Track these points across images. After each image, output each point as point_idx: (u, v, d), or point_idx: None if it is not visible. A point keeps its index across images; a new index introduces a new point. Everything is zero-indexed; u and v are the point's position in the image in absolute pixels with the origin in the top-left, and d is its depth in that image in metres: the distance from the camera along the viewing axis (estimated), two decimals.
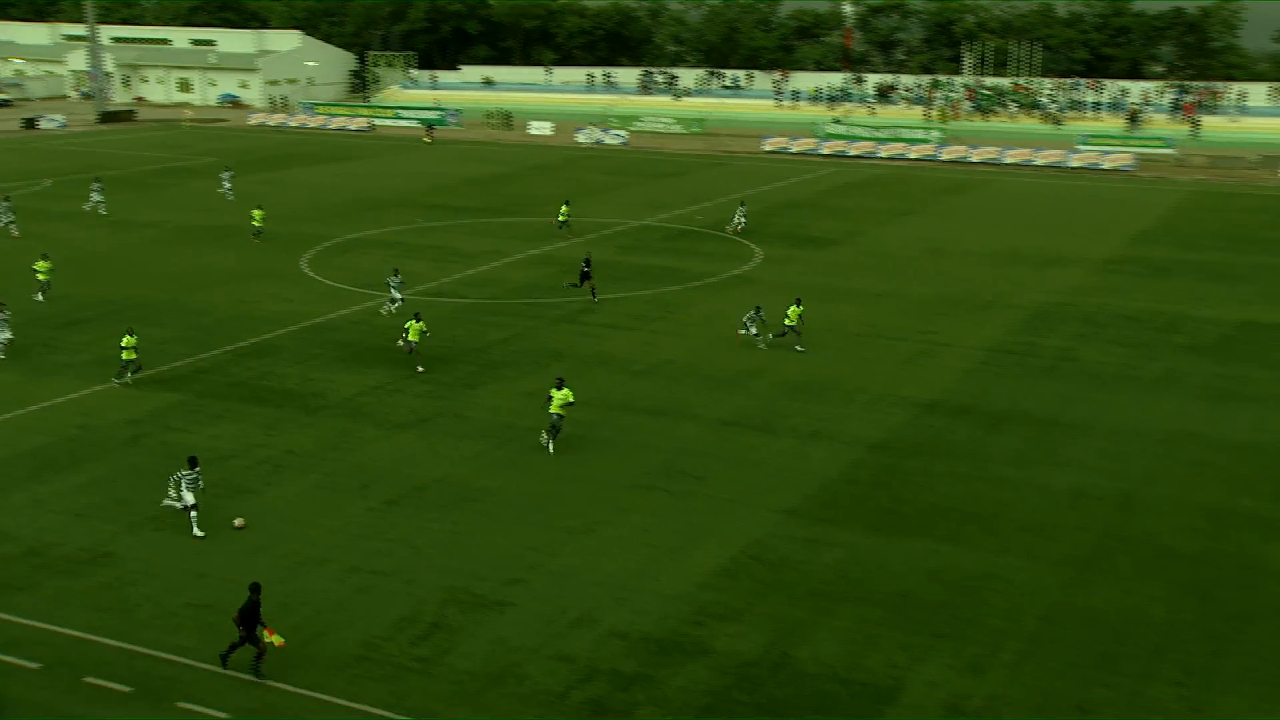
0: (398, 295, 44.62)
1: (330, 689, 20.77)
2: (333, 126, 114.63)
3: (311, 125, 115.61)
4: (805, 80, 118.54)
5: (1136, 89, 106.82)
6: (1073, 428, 33.95)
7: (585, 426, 33.41)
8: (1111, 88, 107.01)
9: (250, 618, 20.92)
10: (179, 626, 22.73)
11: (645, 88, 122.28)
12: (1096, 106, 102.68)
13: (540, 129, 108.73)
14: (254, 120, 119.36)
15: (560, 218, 60.76)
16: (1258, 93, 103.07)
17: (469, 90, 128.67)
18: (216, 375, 37.94)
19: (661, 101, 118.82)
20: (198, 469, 26.97)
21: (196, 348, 40.75)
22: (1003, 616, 23.49)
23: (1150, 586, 24.71)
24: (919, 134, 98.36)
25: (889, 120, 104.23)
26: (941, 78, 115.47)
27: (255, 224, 58.65)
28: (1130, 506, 28.64)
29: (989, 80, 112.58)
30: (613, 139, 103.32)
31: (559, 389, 31.59)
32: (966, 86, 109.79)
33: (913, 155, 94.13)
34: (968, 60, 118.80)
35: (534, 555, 25.99)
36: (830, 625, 23.16)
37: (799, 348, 40.31)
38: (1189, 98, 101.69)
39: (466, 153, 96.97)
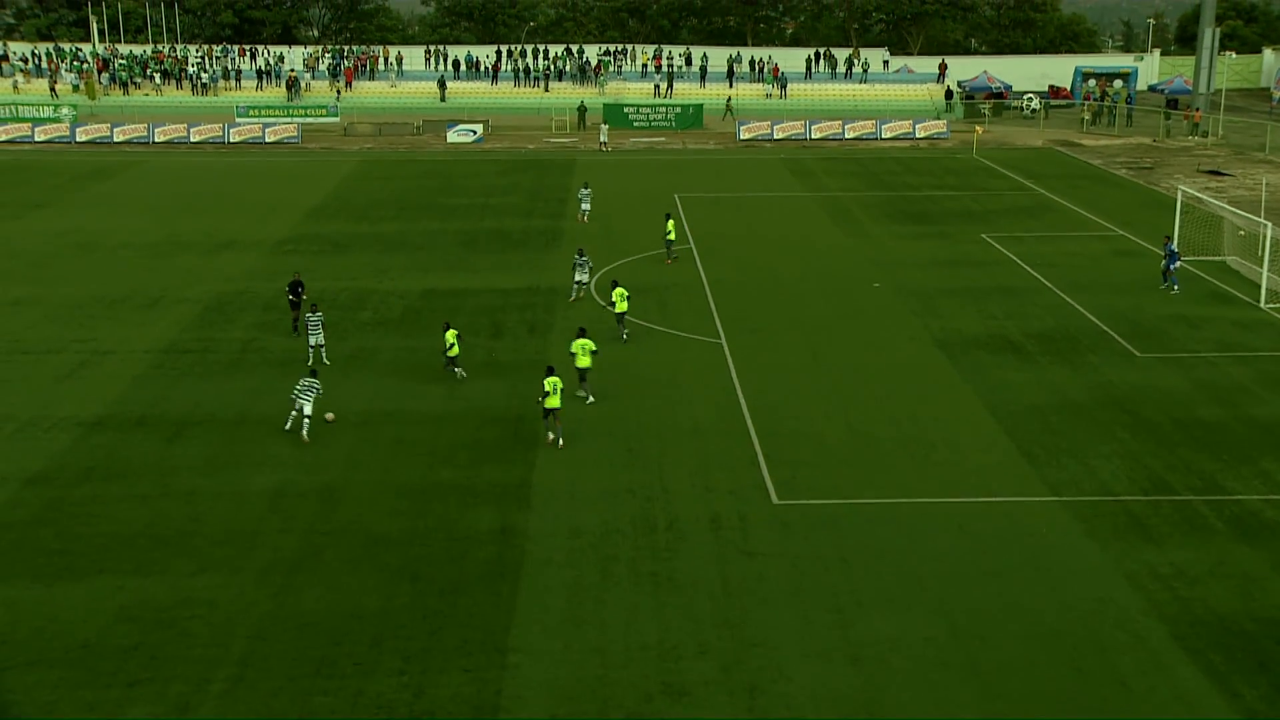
0: None
1: None
2: None
3: None
4: None
5: (293, 55, 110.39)
6: (265, 423, 34.49)
7: None
8: (266, 54, 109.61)
9: None
10: None
11: None
12: (263, 75, 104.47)
13: None
14: None
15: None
16: (413, 56, 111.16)
17: None
18: None
19: None
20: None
21: None
22: (208, 644, 23.31)
23: (362, 578, 25.86)
24: (47, 112, 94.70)
25: (6, 97, 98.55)
26: (65, 45, 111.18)
27: None
28: (333, 498, 29.76)
29: (124, 48, 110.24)
30: None
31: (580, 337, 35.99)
32: (97, 55, 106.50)
33: (41, 137, 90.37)
34: (96, 25, 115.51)
35: None
36: None
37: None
38: (348, 63, 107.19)
39: None
